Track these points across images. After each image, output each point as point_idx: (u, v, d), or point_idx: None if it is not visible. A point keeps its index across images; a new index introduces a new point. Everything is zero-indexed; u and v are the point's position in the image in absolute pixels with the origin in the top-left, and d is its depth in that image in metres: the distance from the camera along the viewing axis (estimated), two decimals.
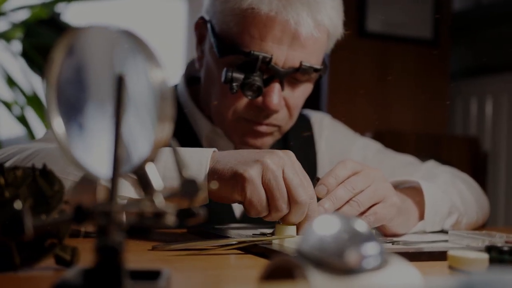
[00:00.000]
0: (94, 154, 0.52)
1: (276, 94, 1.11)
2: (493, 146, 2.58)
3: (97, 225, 0.49)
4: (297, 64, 1.11)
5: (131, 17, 3.00)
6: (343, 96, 2.43)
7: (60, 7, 2.51)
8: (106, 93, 0.51)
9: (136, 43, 0.50)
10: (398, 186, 1.18)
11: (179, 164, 0.56)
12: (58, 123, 0.54)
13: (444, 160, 2.38)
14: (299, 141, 1.33)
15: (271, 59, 1.09)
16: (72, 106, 0.53)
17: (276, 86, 1.12)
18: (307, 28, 1.09)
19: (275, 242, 0.88)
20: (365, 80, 2.49)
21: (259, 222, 1.21)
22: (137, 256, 0.78)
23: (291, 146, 1.31)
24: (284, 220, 0.92)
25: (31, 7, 2.50)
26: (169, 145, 0.57)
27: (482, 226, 1.37)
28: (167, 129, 0.51)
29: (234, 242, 0.87)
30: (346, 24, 1.20)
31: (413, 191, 1.15)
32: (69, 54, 0.53)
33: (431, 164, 1.36)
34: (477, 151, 2.47)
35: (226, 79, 1.10)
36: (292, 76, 1.13)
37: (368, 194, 0.99)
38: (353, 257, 0.46)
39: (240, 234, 0.99)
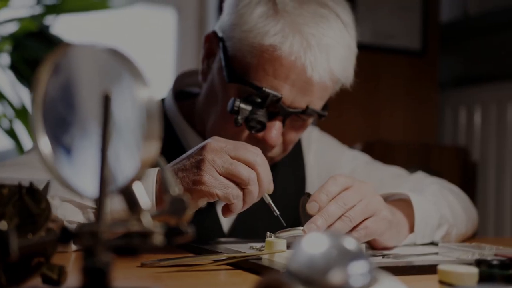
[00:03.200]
0: (81, 173, 0.52)
1: (277, 131, 1.12)
2: (482, 155, 2.59)
3: (84, 246, 0.48)
4: (303, 106, 1.11)
5: (120, 27, 2.99)
6: (333, 107, 2.43)
7: (49, 20, 2.50)
8: (92, 112, 0.51)
9: (122, 62, 0.50)
10: (388, 199, 1.18)
11: (167, 182, 0.55)
12: (44, 143, 0.53)
13: (433, 169, 2.40)
14: (287, 155, 1.32)
15: (280, 98, 1.09)
16: (59, 125, 0.53)
17: (278, 123, 1.12)
18: (321, 76, 1.09)
19: (265, 257, 0.88)
20: (354, 91, 2.48)
21: (246, 235, 1.21)
22: (126, 273, 0.78)
23: (280, 160, 1.31)
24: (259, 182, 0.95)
25: (19, 19, 2.48)
26: (156, 163, 0.56)
27: (471, 237, 1.38)
28: (154, 148, 0.50)
29: (224, 258, 0.87)
30: None
31: (402, 204, 1.15)
32: (55, 73, 0.52)
33: (420, 176, 1.37)
34: (466, 160, 2.48)
35: (232, 110, 1.09)
36: (295, 115, 1.13)
37: (359, 209, 0.99)
38: (339, 276, 0.46)
39: (230, 249, 0.98)
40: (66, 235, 0.48)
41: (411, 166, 2.37)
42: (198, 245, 1.00)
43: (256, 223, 1.26)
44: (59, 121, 0.53)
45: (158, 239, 0.50)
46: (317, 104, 1.14)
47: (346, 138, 2.54)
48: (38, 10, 2.46)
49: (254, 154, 0.95)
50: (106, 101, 0.49)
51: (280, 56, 1.08)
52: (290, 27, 1.08)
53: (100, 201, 0.48)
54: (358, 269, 0.48)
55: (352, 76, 1.18)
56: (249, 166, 0.94)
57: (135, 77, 0.49)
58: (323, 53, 1.09)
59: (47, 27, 2.51)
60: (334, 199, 0.99)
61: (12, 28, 2.50)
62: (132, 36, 3.06)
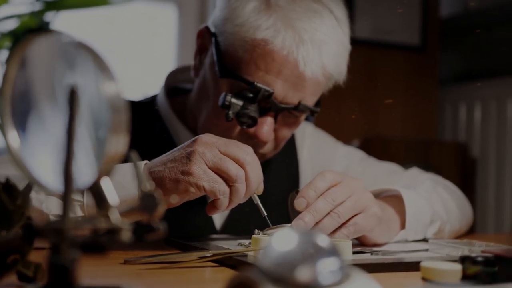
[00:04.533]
0: (48, 167, 0.51)
1: (269, 126, 1.11)
2: (482, 151, 2.58)
3: (50, 243, 0.48)
4: (295, 102, 1.10)
5: (121, 23, 2.99)
6: (331, 103, 2.42)
7: (49, 16, 2.49)
8: (59, 105, 0.50)
9: (89, 55, 0.49)
10: (380, 195, 1.17)
11: (139, 178, 0.54)
12: (12, 136, 0.52)
13: (433, 166, 2.38)
14: (281, 151, 1.31)
15: (272, 93, 1.08)
16: (27, 119, 0.52)
17: (270, 118, 1.11)
18: (313, 71, 1.08)
19: (250, 254, 0.87)
20: (353, 86, 2.46)
21: (239, 233, 1.20)
22: (107, 270, 0.77)
23: (273, 156, 1.30)
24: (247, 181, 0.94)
25: (19, 16, 2.48)
26: (129, 159, 0.55)
27: (468, 233, 1.36)
28: (121, 142, 0.49)
29: (208, 255, 0.86)
30: None
31: (394, 200, 1.13)
32: (22, 66, 0.52)
33: (414, 172, 1.35)
34: (466, 156, 2.47)
35: (223, 104, 1.08)
36: (287, 111, 1.12)
37: (348, 205, 0.98)
38: (307, 273, 0.45)
39: (217, 246, 0.97)
40: (29, 232, 0.47)
41: (410, 162, 2.35)
42: (185, 241, 1.00)
43: (248, 220, 1.25)
44: (27, 114, 0.52)
45: (126, 236, 0.49)
46: (310, 100, 1.12)
47: (345, 134, 2.53)
48: (38, 6, 2.46)
49: (244, 152, 0.94)
50: (73, 95, 0.48)
51: (272, 50, 1.07)
52: (283, 21, 1.07)
53: (65, 198, 0.47)
54: (328, 266, 0.47)
55: (345, 72, 1.17)
56: (238, 164, 0.93)
57: (102, 70, 0.48)
58: (316, 48, 1.08)
59: (47, 24, 2.51)
60: (322, 195, 0.98)
61: (12, 24, 2.50)
62: (132, 32, 3.05)
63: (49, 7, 2.48)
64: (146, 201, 0.53)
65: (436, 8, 2.70)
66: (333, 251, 0.49)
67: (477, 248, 0.96)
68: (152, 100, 1.31)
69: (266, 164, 1.29)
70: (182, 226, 1.20)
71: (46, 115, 0.51)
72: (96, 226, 0.49)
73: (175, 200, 0.90)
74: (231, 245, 0.99)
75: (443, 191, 1.25)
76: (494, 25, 2.60)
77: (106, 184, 0.51)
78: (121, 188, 0.88)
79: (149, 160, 0.98)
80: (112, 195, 0.51)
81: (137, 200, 0.53)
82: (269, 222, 0.99)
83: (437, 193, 1.23)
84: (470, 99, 2.66)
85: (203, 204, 1.22)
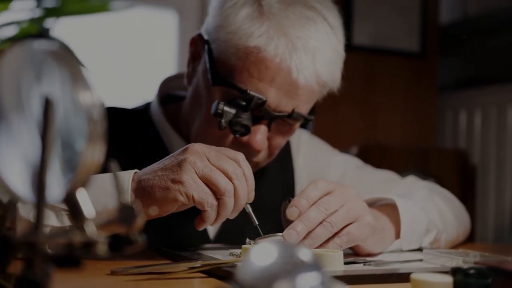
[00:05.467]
0: (21, 178, 0.50)
1: (262, 135, 1.09)
2: (482, 159, 2.56)
3: (23, 257, 0.46)
4: (289, 110, 1.09)
5: (121, 30, 2.98)
6: (330, 110, 2.41)
7: (49, 23, 2.49)
8: (34, 115, 0.49)
9: (65, 64, 0.48)
10: (375, 204, 1.16)
11: (118, 189, 0.53)
12: None
13: (432, 173, 2.36)
14: (276, 159, 1.30)
15: (265, 101, 1.06)
16: (2, 129, 0.51)
17: (263, 127, 1.10)
18: (307, 79, 1.07)
19: (240, 265, 0.85)
20: (352, 93, 2.47)
21: (232, 242, 1.19)
22: (92, 281, 0.75)
23: (268, 164, 1.28)
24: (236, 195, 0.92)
25: (19, 22, 2.47)
26: (109, 169, 0.54)
27: (467, 242, 1.35)
28: (97, 152, 0.48)
29: (197, 265, 0.84)
30: None
31: (389, 209, 1.12)
32: None
33: (411, 180, 1.34)
34: (466, 164, 2.45)
35: (216, 112, 1.07)
36: (280, 119, 1.11)
37: (341, 214, 0.97)
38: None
39: (207, 256, 0.96)
40: (5, 244, 0.46)
41: (409, 169, 2.34)
42: (175, 251, 0.98)
43: (242, 229, 1.24)
44: (3, 123, 0.51)
45: (102, 249, 0.48)
46: (304, 108, 1.11)
47: (343, 141, 2.52)
48: (38, 13, 2.45)
49: (234, 166, 0.93)
50: (47, 105, 0.47)
51: (265, 58, 1.06)
52: (275, 29, 1.06)
53: (38, 209, 0.46)
54: (308, 281, 0.45)
55: (340, 80, 1.15)
56: (227, 177, 0.92)
57: (77, 79, 0.47)
58: (309, 56, 1.07)
59: (47, 30, 2.50)
60: (315, 204, 0.96)
61: (12, 31, 2.50)
62: (133, 38, 3.05)
63: (49, 13, 2.47)
64: (125, 213, 0.52)
65: (436, 14, 2.69)
66: (314, 265, 0.47)
67: (472, 258, 0.94)
68: (146, 107, 1.30)
69: (261, 171, 1.28)
70: (175, 235, 1.19)
71: (16, 125, 0.50)
72: (71, 239, 0.47)
73: (155, 212, 0.88)
74: (223, 255, 0.97)
75: (439, 200, 1.24)
76: (494, 31, 2.59)
77: (82, 196, 0.49)
78: (102, 198, 0.88)
79: (141, 167, 0.97)
80: (88, 207, 0.49)
81: (116, 211, 0.52)
82: (260, 232, 0.98)
83: (433, 202, 1.21)
84: (470, 105, 2.64)
85: (196, 213, 1.21)
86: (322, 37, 1.08)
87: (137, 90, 2.86)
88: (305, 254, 0.48)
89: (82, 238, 0.48)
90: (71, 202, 0.49)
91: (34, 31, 2.44)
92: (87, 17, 2.52)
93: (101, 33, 2.94)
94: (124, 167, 1.00)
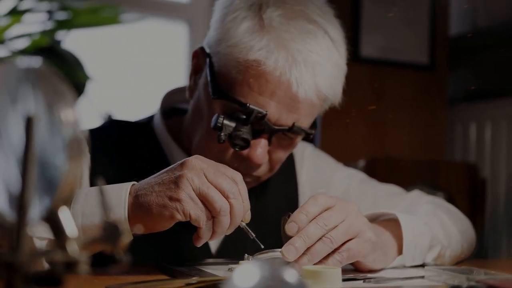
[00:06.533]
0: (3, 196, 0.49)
1: (262, 149, 1.09)
2: (493, 172, 2.53)
3: (2, 278, 0.46)
4: (289, 124, 1.08)
5: (132, 42, 3.00)
6: (338, 122, 2.40)
7: (60, 35, 2.50)
8: (16, 134, 0.48)
9: (46, 81, 0.47)
10: (377, 219, 1.14)
11: (104, 206, 0.52)
12: None
13: (442, 187, 2.34)
14: (280, 172, 1.29)
15: (265, 115, 1.06)
16: None
17: (263, 140, 1.09)
18: (307, 93, 1.06)
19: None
20: (360, 106, 2.45)
21: (234, 256, 1.18)
22: None
23: (272, 177, 1.28)
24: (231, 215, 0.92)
25: (31, 35, 2.49)
26: (96, 185, 0.54)
27: (477, 258, 1.33)
28: (80, 170, 0.48)
29: (193, 282, 0.84)
30: None
31: (392, 224, 1.11)
32: None
33: (416, 194, 1.32)
34: (476, 177, 2.42)
35: (215, 126, 1.06)
36: (281, 133, 1.10)
37: (341, 230, 0.96)
38: None
39: (205, 271, 0.95)
40: None
41: (418, 183, 2.32)
42: (173, 266, 0.98)
43: (244, 243, 1.23)
44: None
45: (84, 269, 0.47)
46: (304, 122, 1.10)
47: (352, 154, 2.50)
48: (49, 25, 2.47)
49: (231, 184, 0.92)
50: (29, 124, 0.46)
51: (264, 71, 1.05)
52: (276, 42, 1.06)
53: (18, 229, 0.46)
54: None
55: (341, 94, 1.15)
56: (223, 196, 0.91)
57: (59, 97, 0.47)
58: (309, 69, 1.06)
59: (58, 42, 2.52)
60: (314, 219, 0.95)
61: (24, 43, 2.52)
62: (143, 50, 3.06)
63: (60, 26, 2.49)
64: (109, 231, 0.51)
65: (445, 26, 2.67)
66: (299, 286, 0.46)
67: (475, 276, 0.93)
68: (149, 120, 1.30)
69: (265, 185, 1.27)
70: (177, 249, 1.18)
71: (4, 142, 0.49)
72: (52, 258, 0.47)
73: (140, 230, 0.88)
74: (223, 270, 0.96)
75: (443, 215, 1.22)
76: (504, 43, 2.56)
77: (64, 214, 0.49)
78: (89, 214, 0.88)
79: None
80: (70, 225, 0.49)
81: (100, 229, 0.51)
82: (259, 244, 0.97)
83: (437, 217, 1.19)
84: (480, 118, 2.62)
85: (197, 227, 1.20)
86: (322, 51, 1.08)
87: (148, 102, 2.87)
88: (289, 275, 0.47)
89: (64, 258, 0.47)
90: (53, 221, 0.48)
91: (46, 43, 2.46)
92: (98, 29, 2.54)
93: (112, 45, 2.96)
94: (126, 180, 1.00)
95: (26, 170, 0.46)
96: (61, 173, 0.47)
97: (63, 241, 0.48)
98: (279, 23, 1.07)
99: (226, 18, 1.11)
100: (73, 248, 0.48)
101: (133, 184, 0.95)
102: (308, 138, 1.16)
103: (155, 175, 0.96)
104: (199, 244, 0.93)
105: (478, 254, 1.34)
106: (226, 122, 1.06)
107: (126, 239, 0.51)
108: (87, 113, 2.42)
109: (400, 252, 1.08)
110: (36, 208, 0.48)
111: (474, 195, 2.38)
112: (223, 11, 1.12)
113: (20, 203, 0.46)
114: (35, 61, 0.48)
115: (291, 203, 1.33)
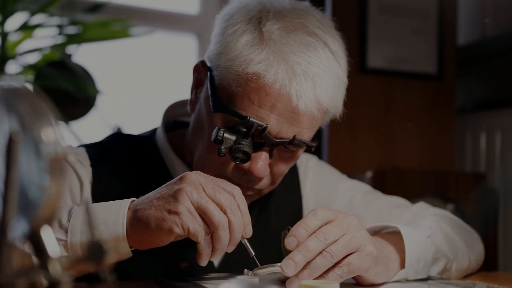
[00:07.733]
0: None
1: (263, 162, 1.08)
2: (503, 182, 2.50)
3: None
4: (290, 137, 1.08)
5: (142, 55, 3.01)
6: (345, 133, 2.39)
7: (71, 49, 2.52)
8: None
9: (26, 102, 0.47)
10: (380, 231, 1.13)
11: (90, 225, 0.52)
12: None
13: (451, 198, 2.32)
14: (284, 184, 1.28)
15: (265, 128, 1.05)
16: None
17: (264, 153, 1.08)
18: (307, 105, 1.05)
19: None
20: (368, 116, 2.44)
21: (236, 271, 1.17)
22: None
23: (275, 189, 1.27)
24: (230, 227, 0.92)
25: (42, 49, 2.51)
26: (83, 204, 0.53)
27: (488, 270, 1.31)
28: (60, 189, 0.47)
29: None
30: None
31: (395, 237, 1.09)
32: None
33: (420, 206, 1.31)
34: (486, 188, 2.39)
35: (216, 139, 1.06)
36: (282, 146, 1.10)
37: (342, 244, 0.95)
38: None
39: (205, 287, 0.94)
40: None
41: (427, 193, 2.30)
42: (171, 281, 0.97)
43: (246, 257, 1.22)
44: None
45: None
46: (306, 135, 1.10)
47: (360, 165, 2.49)
48: (60, 39, 2.50)
49: (230, 199, 0.92)
50: (11, 142, 0.46)
51: (264, 84, 1.05)
52: (275, 55, 1.05)
53: (0, 249, 0.45)
54: None
55: (342, 106, 1.14)
56: (222, 210, 0.91)
57: (40, 116, 0.47)
58: (309, 82, 1.05)
59: (69, 56, 2.54)
60: (314, 233, 0.94)
61: (35, 58, 2.54)
62: (153, 63, 3.07)
63: (70, 40, 2.51)
64: (93, 250, 0.50)
65: (453, 36, 2.65)
66: None
67: None
68: (151, 134, 1.30)
69: (268, 198, 1.26)
70: (178, 263, 1.18)
71: None
72: (34, 279, 0.46)
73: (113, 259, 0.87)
74: (219, 285, 0.95)
75: (448, 227, 1.20)
76: None
77: (46, 233, 0.48)
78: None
79: (144, 194, 0.97)
80: (52, 245, 0.48)
81: (84, 248, 0.51)
82: (257, 262, 0.96)
83: (441, 229, 1.18)
84: (489, 128, 2.60)
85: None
86: (322, 63, 1.07)
87: (157, 114, 2.88)
88: None
89: (46, 278, 0.47)
90: (34, 240, 0.48)
91: (56, 57, 2.48)
92: (107, 43, 2.56)
93: (121, 59, 2.98)
94: (128, 194, 1.00)
95: (7, 190, 0.46)
96: (43, 192, 0.47)
97: (45, 261, 0.48)
98: (279, 36, 1.07)
99: (226, 31, 1.11)
100: (55, 268, 0.48)
101: (132, 201, 0.95)
102: (309, 151, 1.15)
103: (155, 190, 0.95)
104: (203, 263, 0.93)
105: (489, 266, 1.32)
106: (226, 135, 1.06)
107: (111, 258, 0.51)
108: (97, 126, 2.44)
109: (402, 265, 1.07)
110: (18, 228, 0.47)
111: (484, 206, 2.36)
112: (223, 24, 1.12)
113: (1, 223, 0.46)
114: (16, 81, 0.48)
115: (295, 215, 1.32)
